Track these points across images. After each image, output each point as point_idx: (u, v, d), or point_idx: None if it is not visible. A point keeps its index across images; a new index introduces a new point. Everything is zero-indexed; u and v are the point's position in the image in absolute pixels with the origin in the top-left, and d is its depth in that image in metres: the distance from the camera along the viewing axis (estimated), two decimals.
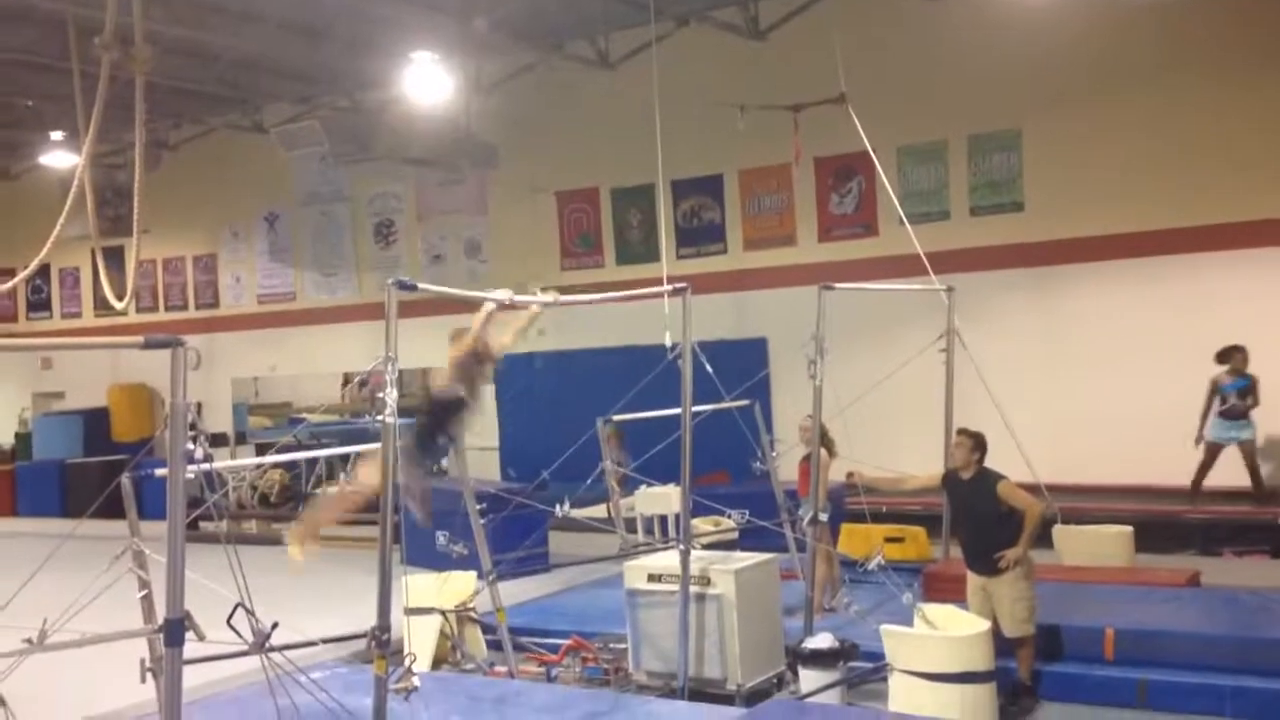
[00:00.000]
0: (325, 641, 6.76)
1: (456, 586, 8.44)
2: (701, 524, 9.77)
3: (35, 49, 12.99)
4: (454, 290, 7.21)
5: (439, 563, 8.67)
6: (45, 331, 21.94)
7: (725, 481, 12.18)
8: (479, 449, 16.11)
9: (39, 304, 22.36)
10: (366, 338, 14.52)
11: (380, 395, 5.67)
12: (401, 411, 5.48)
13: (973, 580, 7.50)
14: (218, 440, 17.76)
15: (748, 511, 9.50)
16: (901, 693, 6.73)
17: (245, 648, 4.82)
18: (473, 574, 8.44)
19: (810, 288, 8.55)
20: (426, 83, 13.25)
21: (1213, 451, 11.54)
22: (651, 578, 7.91)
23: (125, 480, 5.92)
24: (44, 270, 20.92)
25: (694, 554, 7.79)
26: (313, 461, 15.78)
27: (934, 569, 9.40)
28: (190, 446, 4.38)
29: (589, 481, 9.77)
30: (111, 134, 9.84)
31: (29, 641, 4.47)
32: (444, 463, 6.41)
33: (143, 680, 4.75)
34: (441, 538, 8.14)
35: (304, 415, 19.05)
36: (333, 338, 17.95)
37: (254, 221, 19.49)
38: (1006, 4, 12.16)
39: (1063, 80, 12.86)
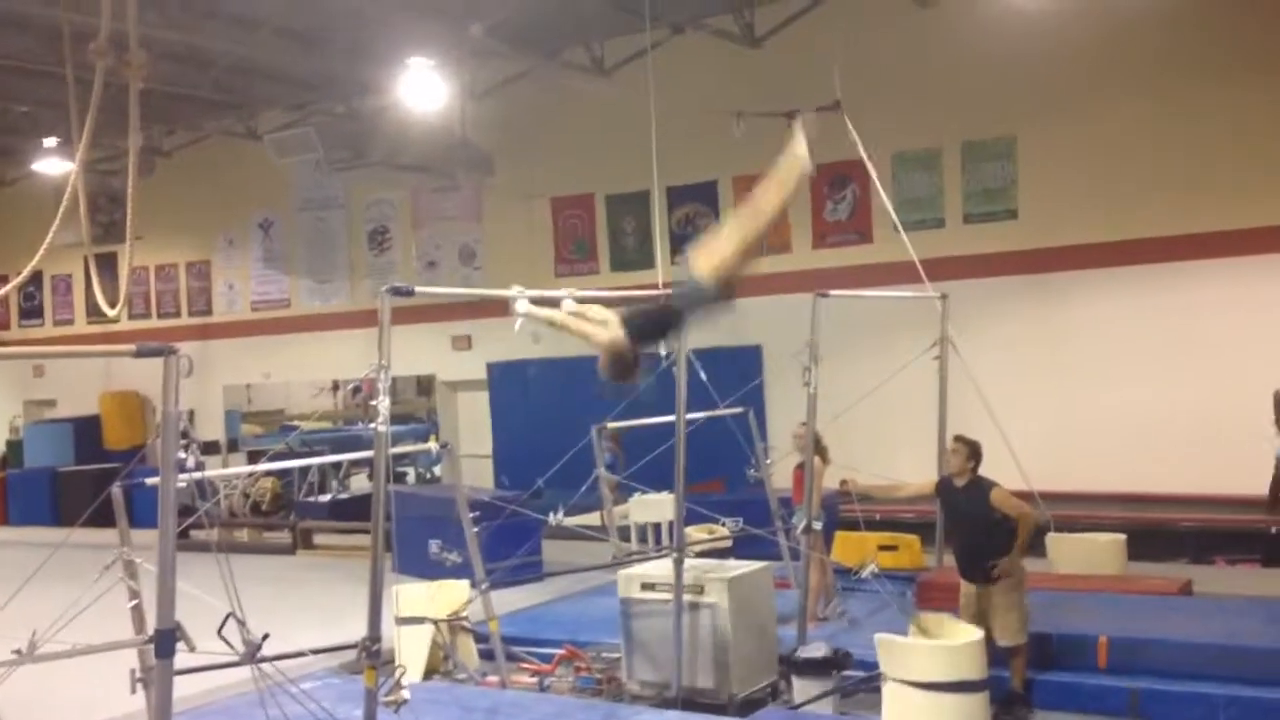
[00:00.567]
0: (316, 652, 6.75)
1: (449, 595, 8.40)
2: (695, 532, 9.76)
3: (29, 55, 12.93)
4: (453, 290, 7.18)
5: (432, 571, 8.63)
6: (37, 339, 21.86)
7: (719, 489, 12.16)
8: (473, 456, 16.14)
9: (31, 311, 22.30)
10: (361, 345, 14.46)
11: (374, 403, 5.66)
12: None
13: (966, 588, 7.49)
14: (210, 448, 17.67)
15: (742, 519, 9.51)
16: (895, 702, 6.72)
17: (236, 658, 4.81)
18: (465, 583, 8.39)
19: (805, 295, 8.56)
20: (421, 89, 13.23)
21: None
22: (645, 586, 7.90)
23: (116, 489, 5.90)
24: (36, 277, 20.81)
25: (688, 562, 7.78)
26: (305, 469, 15.73)
27: (927, 577, 9.37)
28: (182, 455, 4.37)
29: (583, 489, 9.76)
30: (105, 140, 9.78)
31: (18, 652, 4.46)
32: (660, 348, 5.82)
33: (133, 691, 4.75)
34: (434, 546, 8.12)
35: (297, 423, 19.02)
36: (327, 345, 17.92)
37: (248, 228, 19.44)
38: (1001, 12, 12.18)
39: (1057, 88, 12.88)
